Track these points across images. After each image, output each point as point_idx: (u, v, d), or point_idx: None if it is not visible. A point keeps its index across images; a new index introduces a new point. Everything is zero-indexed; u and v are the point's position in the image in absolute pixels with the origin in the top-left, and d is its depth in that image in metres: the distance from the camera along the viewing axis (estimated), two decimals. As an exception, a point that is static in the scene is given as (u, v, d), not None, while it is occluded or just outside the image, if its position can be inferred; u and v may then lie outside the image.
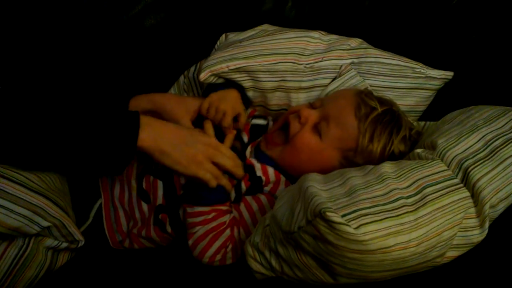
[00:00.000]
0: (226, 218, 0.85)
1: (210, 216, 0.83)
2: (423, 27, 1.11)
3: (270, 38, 1.02)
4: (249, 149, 0.96)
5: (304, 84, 1.01)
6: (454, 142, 0.79)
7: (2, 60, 0.99)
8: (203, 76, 0.97)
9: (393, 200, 0.68)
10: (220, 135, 0.90)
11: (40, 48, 1.03)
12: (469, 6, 1.08)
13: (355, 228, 0.63)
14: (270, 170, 0.91)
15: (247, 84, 1.00)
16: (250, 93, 1.02)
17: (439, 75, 1.04)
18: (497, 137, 0.79)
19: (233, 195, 0.89)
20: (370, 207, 0.66)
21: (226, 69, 0.97)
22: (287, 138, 0.91)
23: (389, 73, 1.03)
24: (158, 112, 0.93)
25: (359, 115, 0.86)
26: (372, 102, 0.87)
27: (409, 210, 0.67)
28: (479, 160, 0.76)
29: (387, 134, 0.87)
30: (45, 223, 0.74)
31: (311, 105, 0.93)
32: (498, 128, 0.81)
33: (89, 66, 1.06)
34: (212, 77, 0.98)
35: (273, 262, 0.76)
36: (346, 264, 0.66)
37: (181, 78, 1.15)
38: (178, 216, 0.89)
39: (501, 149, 0.77)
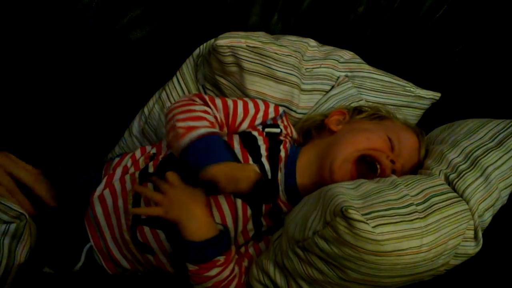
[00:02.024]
0: (226, 273, 0.77)
1: (202, 276, 0.76)
2: (405, 40, 1.13)
3: (276, 36, 1.03)
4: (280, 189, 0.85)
5: (304, 87, 1.00)
6: (439, 161, 0.82)
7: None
8: (222, 42, 0.93)
9: (405, 205, 0.68)
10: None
11: (24, 63, 1.01)
12: (451, 20, 1.11)
13: (373, 227, 0.63)
14: None
15: (250, 66, 0.95)
16: (248, 76, 0.96)
17: (427, 95, 1.07)
18: (476, 148, 0.81)
19: (251, 232, 0.84)
20: (385, 210, 0.66)
21: (244, 45, 0.94)
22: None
23: (381, 89, 1.05)
24: None
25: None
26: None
27: (420, 216, 0.68)
28: (462, 172, 0.78)
29: None
30: None
31: (392, 146, 0.86)
32: (477, 140, 0.83)
33: (74, 80, 1.05)
34: (227, 49, 0.94)
35: (278, 277, 0.75)
36: (361, 268, 0.66)
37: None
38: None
39: (481, 159, 0.79)
